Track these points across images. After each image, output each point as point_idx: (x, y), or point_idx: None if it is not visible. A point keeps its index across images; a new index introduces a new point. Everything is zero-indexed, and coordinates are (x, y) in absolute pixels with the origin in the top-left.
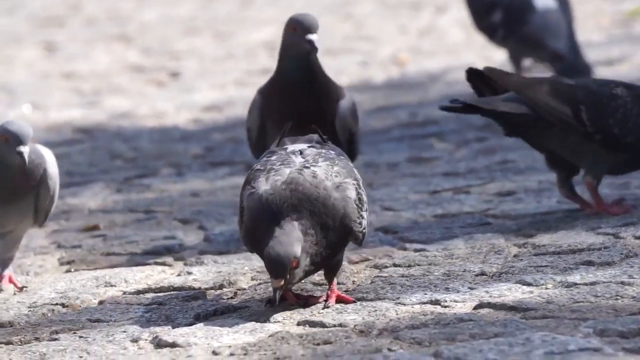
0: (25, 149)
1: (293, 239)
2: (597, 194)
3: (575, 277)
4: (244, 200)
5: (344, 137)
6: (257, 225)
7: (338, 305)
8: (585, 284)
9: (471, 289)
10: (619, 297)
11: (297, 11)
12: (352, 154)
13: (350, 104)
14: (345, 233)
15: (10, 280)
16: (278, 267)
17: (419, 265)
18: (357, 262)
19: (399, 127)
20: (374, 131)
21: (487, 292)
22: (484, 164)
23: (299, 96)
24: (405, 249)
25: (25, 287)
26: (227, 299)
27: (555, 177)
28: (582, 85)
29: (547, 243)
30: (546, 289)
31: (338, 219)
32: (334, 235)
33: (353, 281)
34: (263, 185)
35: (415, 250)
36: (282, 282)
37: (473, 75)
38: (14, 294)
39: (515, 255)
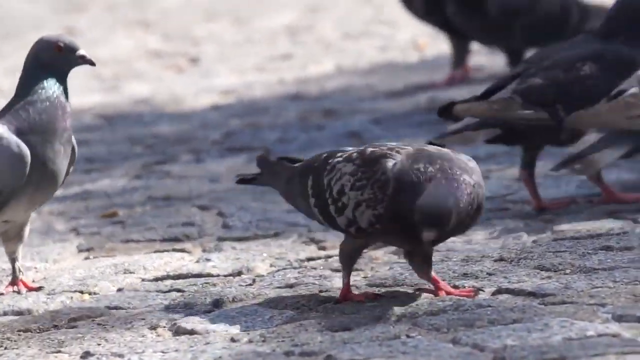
0: (84, 52)
1: (448, 192)
2: (603, 183)
3: (593, 262)
4: (387, 172)
5: None
6: (408, 191)
7: (357, 292)
8: (604, 269)
9: (490, 274)
10: (637, 282)
11: None
12: None
13: None
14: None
15: (25, 285)
16: (440, 215)
17: (437, 250)
18: (375, 249)
19: (419, 112)
20: (394, 116)
21: (505, 277)
22: (504, 149)
23: None
24: None
25: (42, 287)
26: (246, 285)
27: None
28: (553, 80)
29: (565, 228)
30: (565, 274)
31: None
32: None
33: (371, 267)
34: (397, 157)
35: None
36: (436, 234)
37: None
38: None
39: (533, 241)
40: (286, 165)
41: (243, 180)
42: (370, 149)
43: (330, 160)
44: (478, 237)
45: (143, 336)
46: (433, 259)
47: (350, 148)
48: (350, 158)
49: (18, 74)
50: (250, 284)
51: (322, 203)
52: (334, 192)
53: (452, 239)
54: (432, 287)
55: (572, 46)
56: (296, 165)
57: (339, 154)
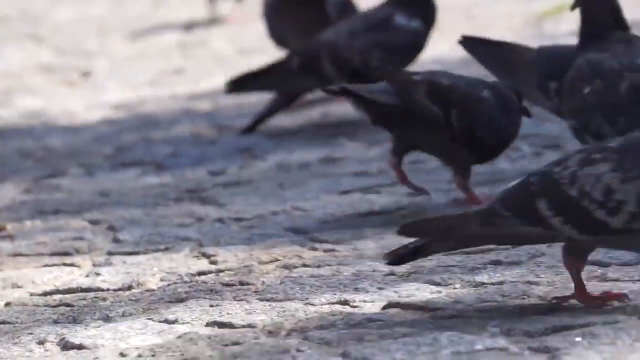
0: None
1: None
2: (469, 191)
3: (483, 277)
4: None
5: None
6: None
7: (247, 306)
8: (493, 284)
9: (380, 289)
10: (525, 297)
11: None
12: None
13: None
14: None
15: None
16: None
17: (328, 265)
18: (266, 262)
19: (311, 127)
20: (285, 131)
21: (395, 292)
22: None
23: None
24: (315, 249)
25: None
26: (136, 300)
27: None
28: (455, 89)
29: None
30: (454, 288)
31: None
32: None
33: (262, 282)
34: None
35: (325, 251)
36: None
37: None
38: None
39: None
40: None
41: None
42: None
43: None
44: (369, 252)
45: (31, 351)
46: (324, 273)
47: None
48: None
49: None
50: (140, 299)
51: None
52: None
53: (343, 252)
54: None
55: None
56: None
57: None
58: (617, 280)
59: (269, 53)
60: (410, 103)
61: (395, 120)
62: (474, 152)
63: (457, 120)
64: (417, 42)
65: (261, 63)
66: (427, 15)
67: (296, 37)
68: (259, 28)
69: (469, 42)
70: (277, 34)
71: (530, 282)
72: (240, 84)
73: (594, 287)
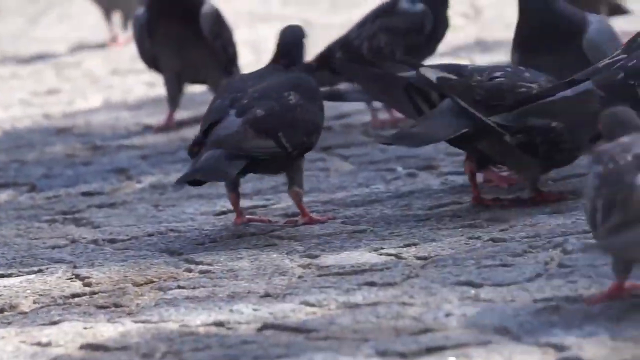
0: None
1: None
2: (302, 206)
3: (357, 298)
4: None
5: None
6: None
7: (121, 328)
8: (367, 305)
9: (255, 310)
10: (400, 318)
11: (87, 29)
12: None
13: None
14: None
15: None
16: None
17: (203, 287)
18: (141, 284)
19: (186, 148)
20: (160, 152)
21: (271, 313)
22: (271, 185)
23: None
24: (190, 271)
25: None
26: (8, 323)
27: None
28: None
29: (331, 264)
30: (329, 309)
31: None
32: None
33: (137, 303)
34: None
35: (201, 272)
36: None
37: None
38: None
39: (299, 277)
40: None
41: None
42: None
43: None
44: (245, 273)
45: None
46: (199, 294)
47: None
48: None
49: None
50: (12, 321)
51: None
52: None
53: (218, 274)
54: None
55: (265, 75)
56: None
57: None
58: (490, 300)
59: (143, 73)
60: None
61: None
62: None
63: (287, 142)
64: (421, 25)
65: (135, 83)
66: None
67: (168, 56)
68: (132, 49)
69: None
70: (148, 55)
71: (404, 303)
72: None
73: (467, 309)
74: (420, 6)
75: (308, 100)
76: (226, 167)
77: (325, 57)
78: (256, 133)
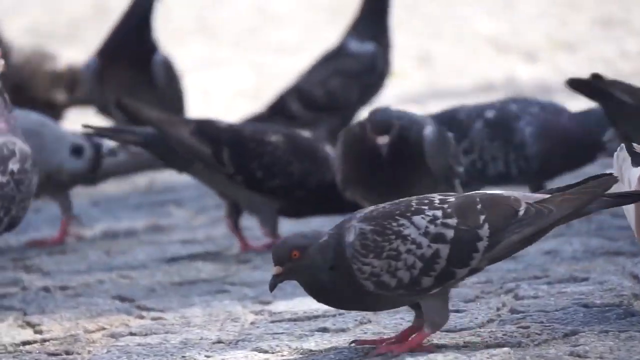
0: None
1: None
2: (273, 237)
3: (310, 344)
4: None
5: None
6: None
7: None
8: (320, 351)
9: (208, 357)
10: None
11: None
12: None
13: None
14: None
15: None
16: None
17: (155, 333)
18: (93, 331)
19: (137, 194)
20: (111, 198)
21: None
22: (223, 232)
23: None
24: (142, 317)
25: None
26: None
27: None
28: (230, 129)
29: (283, 310)
30: (282, 356)
31: None
32: None
33: (89, 351)
34: None
35: (153, 319)
36: None
37: None
38: None
39: (252, 323)
40: None
41: None
42: None
43: None
44: (197, 320)
45: None
46: (151, 341)
47: None
48: None
49: None
50: None
51: None
52: None
53: (170, 320)
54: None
55: None
56: None
57: None
58: (443, 346)
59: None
60: (175, 142)
61: (172, 161)
62: (259, 193)
63: (229, 159)
64: (373, 65)
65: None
66: (380, 37)
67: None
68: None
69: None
70: (100, 102)
71: (357, 349)
72: None
73: (419, 356)
74: (369, 46)
75: None
76: None
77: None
78: None
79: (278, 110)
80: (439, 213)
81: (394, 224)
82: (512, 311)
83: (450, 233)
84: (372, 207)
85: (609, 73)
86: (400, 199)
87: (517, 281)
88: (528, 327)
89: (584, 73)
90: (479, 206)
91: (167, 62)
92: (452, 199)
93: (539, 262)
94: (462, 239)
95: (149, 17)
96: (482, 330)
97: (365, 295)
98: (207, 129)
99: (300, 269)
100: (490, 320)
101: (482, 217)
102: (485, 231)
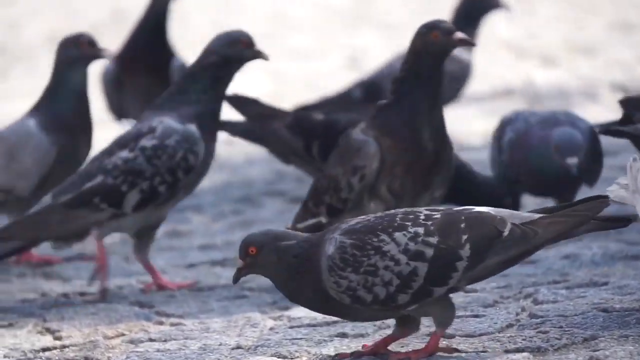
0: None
1: None
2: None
3: (329, 349)
4: None
5: None
6: None
7: None
8: None
9: None
10: None
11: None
12: None
13: None
14: None
15: None
16: None
17: (175, 339)
18: (112, 337)
19: None
20: None
21: None
22: (240, 236)
23: None
24: (161, 323)
25: None
26: None
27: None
28: (323, 123)
29: (302, 315)
30: None
31: None
32: None
33: (108, 357)
34: None
35: (172, 325)
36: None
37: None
38: None
39: (271, 328)
40: None
41: None
42: None
43: None
44: (216, 325)
45: None
46: (170, 347)
47: None
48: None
49: None
50: None
51: None
52: None
53: (189, 326)
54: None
55: None
56: None
57: None
58: (462, 351)
59: (109, 126)
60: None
61: None
62: None
63: (317, 153)
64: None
65: (105, 137)
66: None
67: (138, 107)
68: (97, 102)
69: None
70: (117, 107)
71: (376, 354)
72: None
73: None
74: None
75: None
76: None
77: None
78: None
79: (341, 97)
80: (420, 230)
81: (375, 239)
82: (531, 316)
83: (430, 251)
84: (358, 219)
85: (626, 77)
86: (388, 212)
87: (536, 286)
88: (547, 331)
89: (602, 77)
90: (462, 225)
91: (185, 68)
92: (437, 215)
93: (558, 267)
94: (441, 258)
95: (164, 22)
96: (501, 335)
97: (332, 304)
98: (301, 122)
99: (257, 266)
100: (510, 325)
101: (465, 237)
102: (466, 251)
